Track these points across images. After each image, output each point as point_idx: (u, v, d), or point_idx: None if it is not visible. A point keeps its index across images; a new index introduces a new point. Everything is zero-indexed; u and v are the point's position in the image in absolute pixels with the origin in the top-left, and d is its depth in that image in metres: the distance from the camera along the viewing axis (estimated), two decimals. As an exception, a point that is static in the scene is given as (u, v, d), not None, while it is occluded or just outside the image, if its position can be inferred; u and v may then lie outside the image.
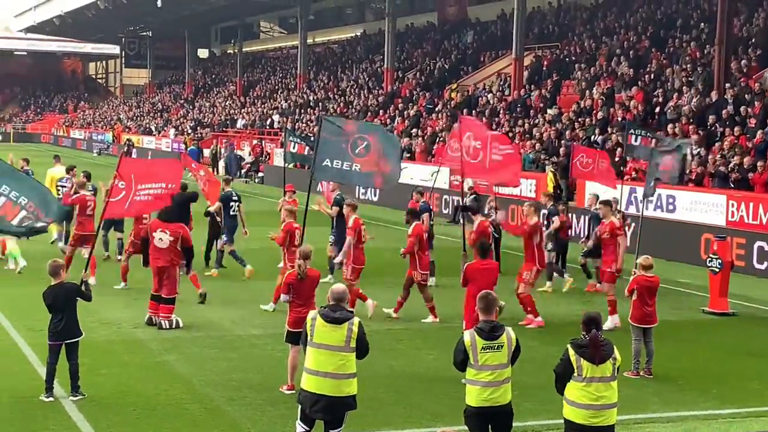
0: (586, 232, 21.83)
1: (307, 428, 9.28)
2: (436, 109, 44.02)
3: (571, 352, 8.63)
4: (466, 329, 9.63)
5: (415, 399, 12.26)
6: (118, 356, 13.83)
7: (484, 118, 38.75)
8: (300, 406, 9.27)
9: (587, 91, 35.83)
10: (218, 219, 20.89)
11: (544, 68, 41.78)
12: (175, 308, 15.70)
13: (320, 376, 9.01)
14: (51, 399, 11.54)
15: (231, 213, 20.73)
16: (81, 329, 11.88)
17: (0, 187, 11.92)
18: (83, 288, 12.01)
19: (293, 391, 11.77)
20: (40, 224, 12.08)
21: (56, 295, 11.68)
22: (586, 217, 23.26)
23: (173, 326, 15.55)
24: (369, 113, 48.00)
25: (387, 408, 11.79)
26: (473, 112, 40.15)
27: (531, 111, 37.16)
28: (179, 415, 11.29)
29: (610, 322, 16.24)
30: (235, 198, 21.01)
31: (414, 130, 41.84)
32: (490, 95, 41.80)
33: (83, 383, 11.76)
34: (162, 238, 15.72)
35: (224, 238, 20.76)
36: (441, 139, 38.58)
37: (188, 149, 57.22)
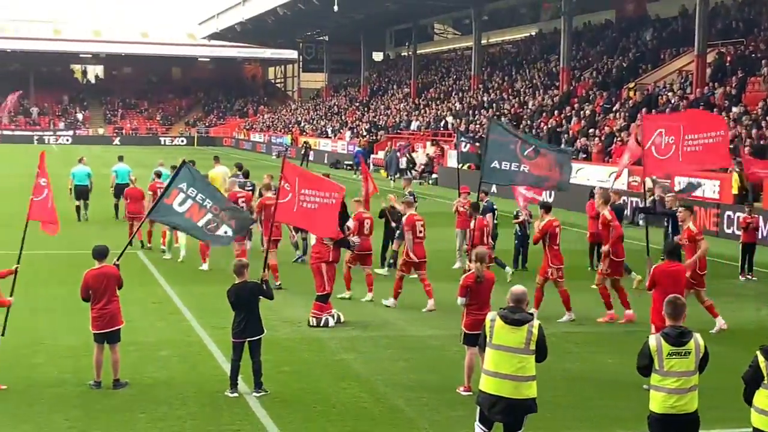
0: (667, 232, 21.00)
1: (486, 430, 9.20)
2: (614, 108, 43.14)
3: (761, 358, 8.27)
4: (653, 333, 9.35)
5: (594, 403, 12.04)
6: (299, 354, 14.11)
7: (663, 117, 37.77)
8: (479, 408, 9.22)
9: (774, 88, 34.42)
10: (391, 221, 21.28)
11: (728, 65, 40.33)
12: (325, 306, 15.91)
13: (499, 377, 8.93)
14: (236, 395, 11.87)
15: (494, 221, 21.23)
16: (263, 327, 12.18)
17: (187, 191, 12.49)
18: (265, 287, 12.33)
19: (470, 393, 11.78)
20: (223, 228, 12.54)
21: (239, 294, 12.01)
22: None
23: (320, 324, 15.76)
24: (544, 113, 47.48)
25: (565, 412, 11.62)
26: (653, 111, 39.15)
27: (714, 109, 35.92)
28: (359, 413, 11.43)
29: (717, 326, 15.97)
30: (496, 207, 21.65)
31: (591, 130, 41.14)
32: (670, 93, 40.65)
33: (266, 380, 12.06)
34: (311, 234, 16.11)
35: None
36: (619, 139, 37.81)
37: (355, 150, 58.50)
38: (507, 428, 9.07)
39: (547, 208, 17.34)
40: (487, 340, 9.05)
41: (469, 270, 12.38)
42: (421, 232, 17.75)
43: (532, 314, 9.17)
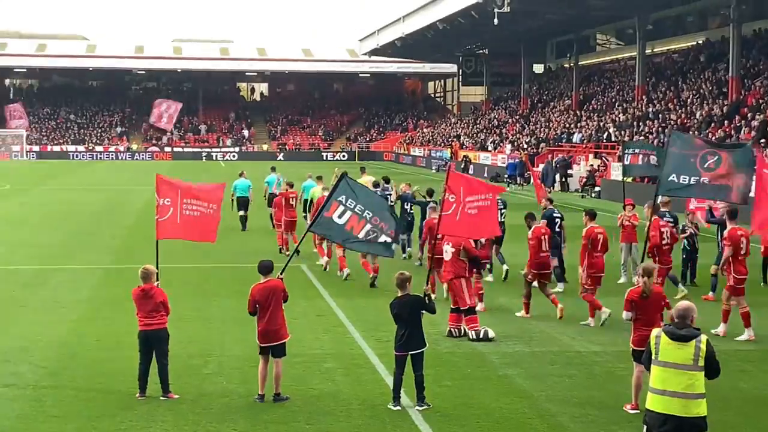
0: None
1: None
2: (786, 117, 41.51)
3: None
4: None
5: (767, 425, 11.55)
6: (461, 368, 14.03)
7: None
8: (645, 427, 8.97)
9: None
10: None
11: None
12: (475, 318, 15.95)
13: (667, 395, 8.68)
14: (398, 408, 11.89)
15: (556, 230, 20.49)
16: (426, 341, 12.17)
17: (347, 202, 12.63)
18: (427, 300, 12.32)
19: (637, 411, 11.52)
20: (383, 238, 12.65)
21: (401, 307, 12.05)
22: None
23: (481, 337, 15.70)
24: (712, 124, 46.06)
25: (738, 433, 11.19)
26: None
27: None
28: (522, 430, 11.28)
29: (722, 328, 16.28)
30: (558, 215, 21.06)
31: (762, 140, 39.65)
32: None
33: (428, 394, 12.04)
34: (446, 250, 16.01)
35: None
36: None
37: (508, 163, 58.63)
38: None
39: (591, 215, 17.60)
40: (653, 356, 8.83)
41: (636, 284, 12.10)
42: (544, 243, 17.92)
43: (699, 329, 8.88)
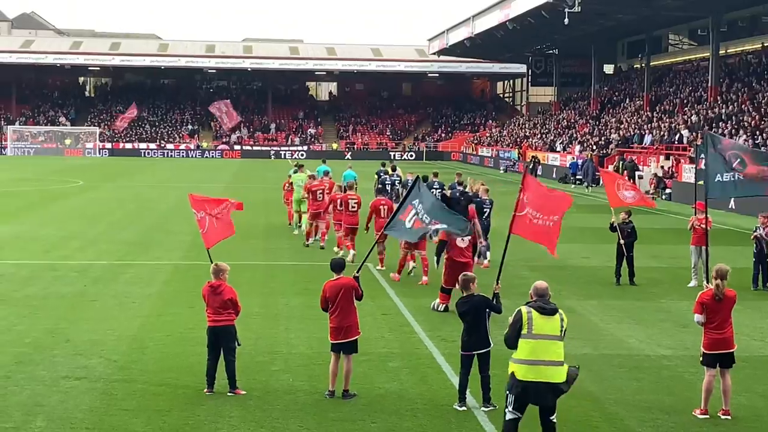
0: None
1: (519, 415, 9.95)
2: None
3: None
4: None
5: None
6: (528, 370, 13.92)
7: None
8: (513, 397, 9.89)
9: None
10: (621, 236, 20.86)
11: None
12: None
13: (542, 364, 9.67)
14: (464, 408, 11.86)
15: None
16: (491, 340, 12.11)
17: (417, 207, 12.78)
18: (494, 301, 12.28)
19: (707, 416, 11.43)
20: (431, 227, 12.85)
21: (467, 306, 12.01)
22: None
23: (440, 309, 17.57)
24: (787, 126, 45.18)
25: None
26: None
27: None
28: (589, 433, 11.18)
29: None
30: None
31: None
32: None
33: (494, 395, 11.97)
34: (464, 238, 16.78)
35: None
36: None
37: (570, 162, 58.53)
38: (544, 412, 9.90)
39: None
40: (525, 331, 9.73)
41: (708, 287, 11.94)
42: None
43: (555, 304, 9.98)
